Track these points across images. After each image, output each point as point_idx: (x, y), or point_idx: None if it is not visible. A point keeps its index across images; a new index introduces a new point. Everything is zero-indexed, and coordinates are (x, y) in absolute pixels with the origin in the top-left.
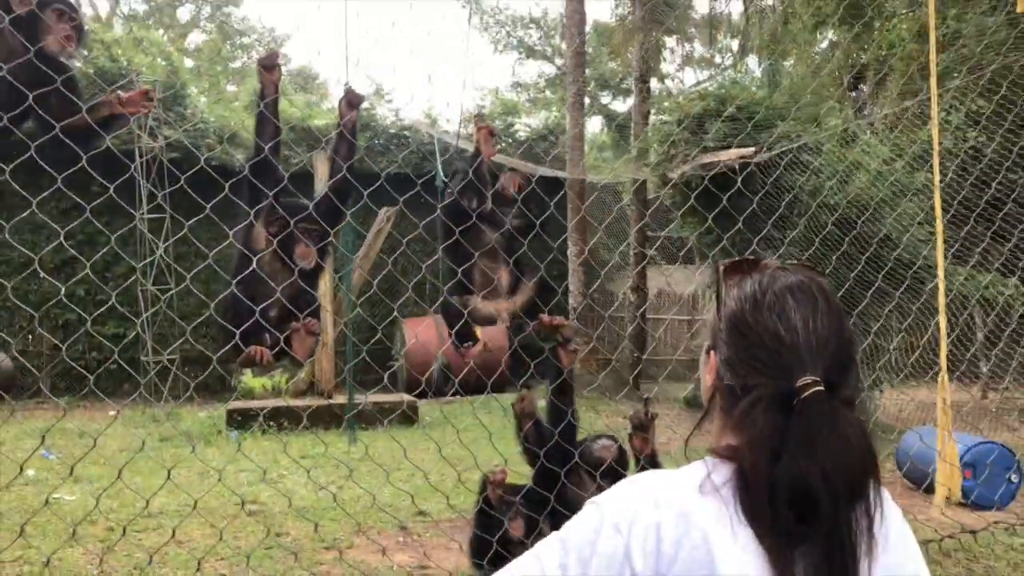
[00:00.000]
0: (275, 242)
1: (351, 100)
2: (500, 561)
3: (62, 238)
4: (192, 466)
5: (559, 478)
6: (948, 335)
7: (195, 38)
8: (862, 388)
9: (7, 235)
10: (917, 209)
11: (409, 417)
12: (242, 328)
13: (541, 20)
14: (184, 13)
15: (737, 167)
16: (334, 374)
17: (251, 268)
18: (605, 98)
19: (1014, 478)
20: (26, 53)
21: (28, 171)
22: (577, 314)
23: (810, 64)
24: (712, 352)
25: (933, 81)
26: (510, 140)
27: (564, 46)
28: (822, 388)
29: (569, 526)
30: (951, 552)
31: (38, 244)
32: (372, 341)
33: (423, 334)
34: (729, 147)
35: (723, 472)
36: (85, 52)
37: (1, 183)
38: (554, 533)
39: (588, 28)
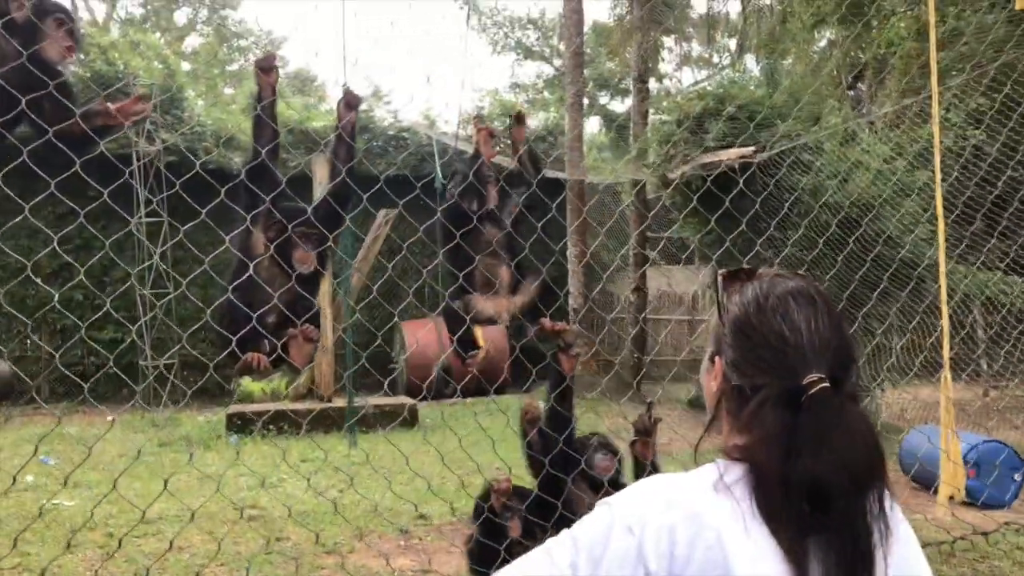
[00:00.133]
0: (272, 247)
1: (349, 101)
2: (500, 565)
3: (56, 243)
4: (192, 471)
5: (564, 485)
6: (952, 334)
7: (192, 41)
8: (863, 386)
9: (2, 240)
10: (919, 208)
11: (410, 420)
12: (239, 335)
13: (539, 21)
14: (181, 16)
15: (737, 167)
16: (334, 378)
17: (248, 273)
18: (603, 98)
19: (1017, 477)
20: (21, 59)
21: (24, 176)
22: (579, 317)
23: (808, 63)
24: (717, 358)
25: (934, 79)
26: (509, 141)
27: (562, 47)
28: (828, 385)
29: (581, 525)
30: (956, 552)
31: (35, 249)
32: (372, 345)
33: (423, 337)
34: (729, 147)
35: (734, 472)
36: (82, 56)
37: None
38: (565, 531)
39: (586, 28)
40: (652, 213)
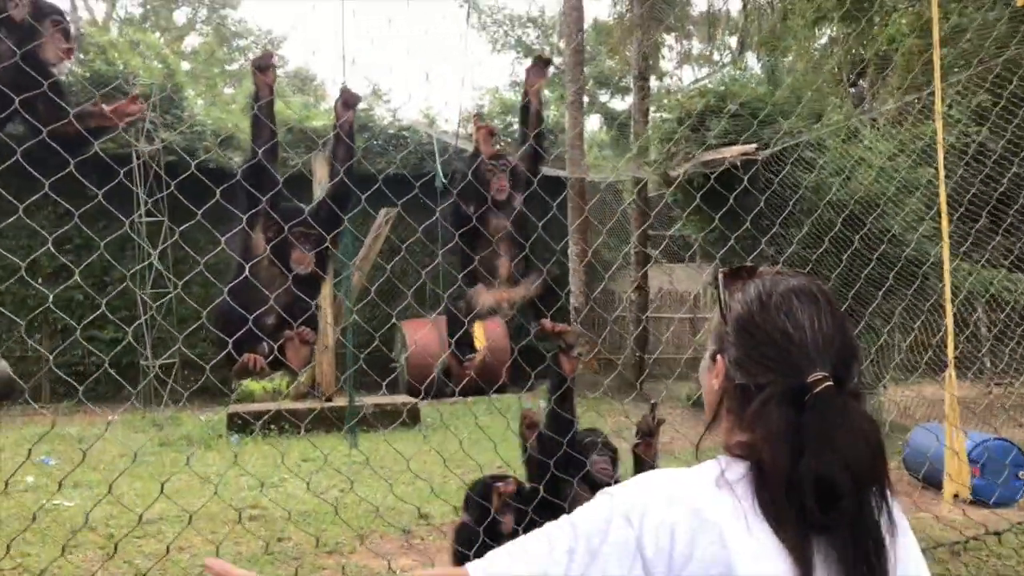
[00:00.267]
0: (269, 248)
1: (347, 100)
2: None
3: (51, 244)
4: (194, 471)
5: (566, 488)
6: (957, 332)
7: (191, 41)
8: (866, 384)
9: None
10: (922, 205)
11: (410, 420)
12: (235, 337)
13: (539, 19)
14: (180, 16)
15: (740, 164)
16: (335, 377)
17: (246, 275)
18: (604, 97)
19: (1022, 475)
20: (17, 59)
21: (24, 176)
22: (581, 316)
23: (810, 60)
24: (719, 356)
25: (937, 76)
26: (509, 139)
27: (562, 45)
28: (832, 383)
29: (581, 512)
30: (961, 551)
31: (36, 249)
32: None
33: (424, 337)
34: (731, 144)
35: (736, 469)
36: (81, 56)
37: None
38: (564, 517)
39: (586, 26)
40: (655, 212)
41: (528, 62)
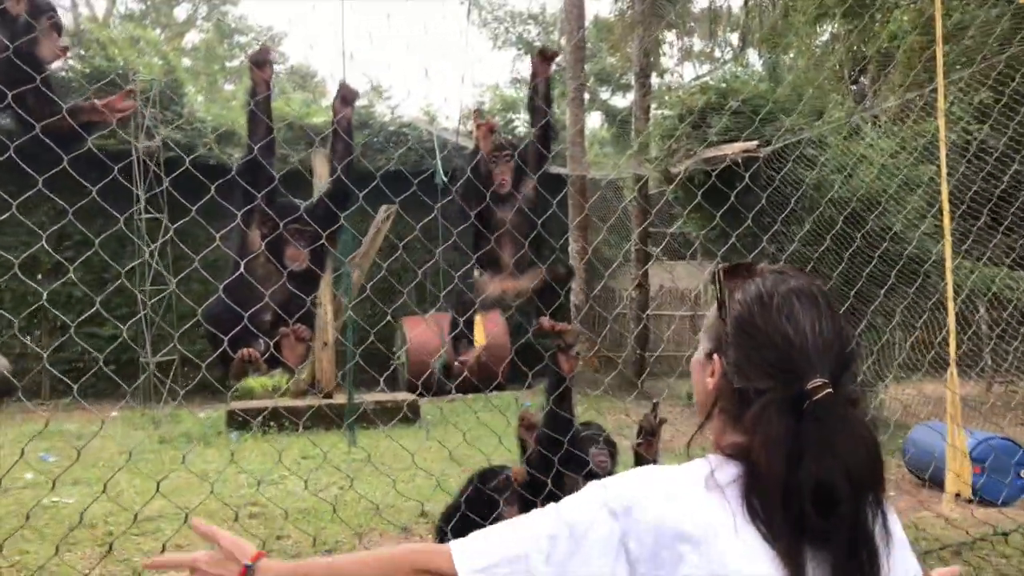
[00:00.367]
0: (264, 244)
1: (345, 96)
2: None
3: (44, 241)
4: (193, 468)
5: (569, 486)
6: (958, 331)
7: (192, 37)
8: (867, 383)
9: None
10: (923, 203)
11: (411, 416)
12: (230, 334)
13: (540, 16)
14: (181, 12)
15: (741, 161)
16: (335, 374)
17: (241, 272)
18: (605, 94)
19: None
20: (10, 52)
21: (23, 173)
22: (581, 314)
23: (811, 57)
24: (716, 356)
25: (939, 73)
26: (510, 136)
27: (563, 42)
28: (832, 390)
29: (570, 501)
30: (961, 551)
31: (35, 245)
32: (371, 341)
33: (423, 334)
34: (732, 141)
35: (728, 471)
36: (82, 52)
37: None
38: (552, 505)
39: (587, 23)
40: (656, 209)
41: (534, 55)
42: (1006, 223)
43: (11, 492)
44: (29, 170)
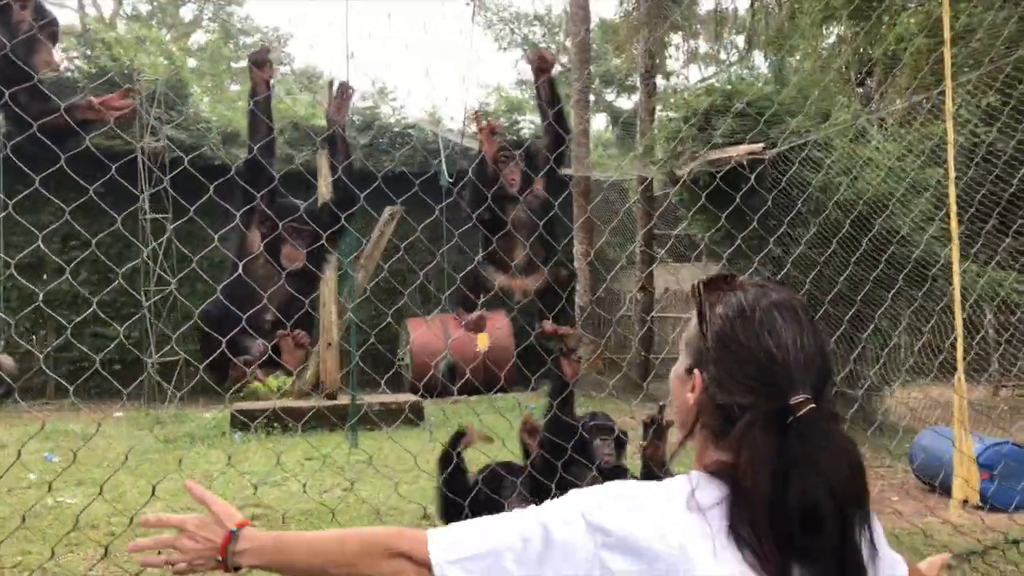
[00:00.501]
0: (263, 245)
1: (340, 103)
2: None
3: (40, 240)
4: (195, 469)
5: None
6: (966, 334)
7: (198, 38)
8: (874, 386)
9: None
10: (930, 206)
11: (415, 418)
12: (226, 338)
13: (545, 17)
14: (187, 12)
15: (746, 163)
16: (339, 375)
17: (239, 273)
18: (610, 95)
19: None
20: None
21: (29, 173)
22: (584, 315)
23: (817, 59)
24: (697, 371)
25: (948, 75)
26: (515, 137)
27: (568, 43)
28: (815, 406)
29: (549, 507)
30: (969, 558)
31: (44, 245)
32: (372, 342)
33: (427, 335)
34: (737, 143)
35: (711, 492)
36: (88, 52)
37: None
38: (533, 508)
39: (592, 25)
40: (659, 211)
41: (532, 64)
42: (1015, 227)
43: (15, 492)
44: (27, 170)
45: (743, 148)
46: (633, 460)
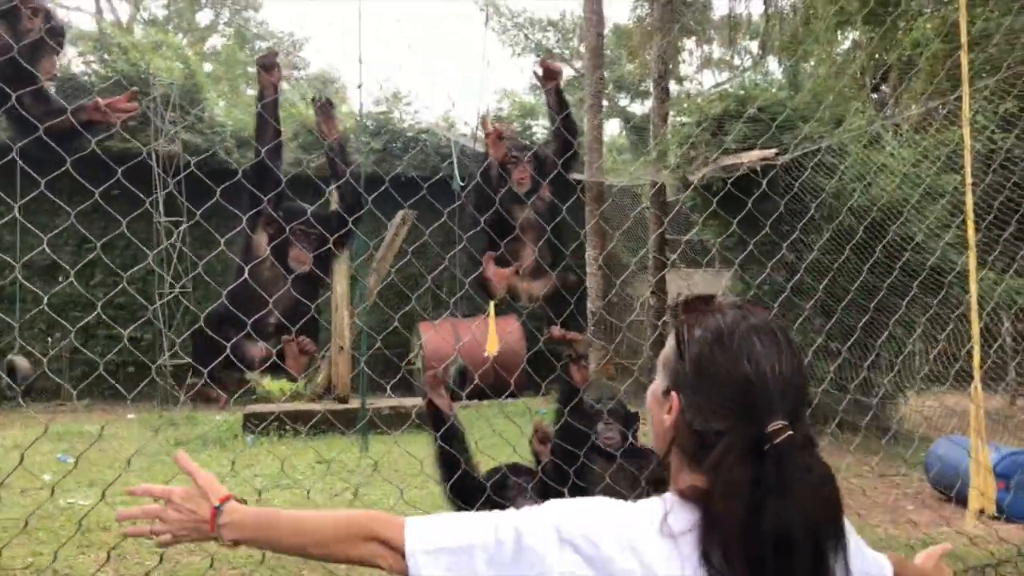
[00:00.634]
0: (269, 248)
1: (323, 110)
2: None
3: (45, 245)
4: (208, 471)
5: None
6: (985, 343)
7: (214, 42)
8: (888, 394)
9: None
10: (945, 212)
11: (422, 423)
12: (223, 340)
13: (559, 22)
14: (203, 17)
15: (759, 169)
16: (351, 378)
17: (245, 276)
18: (623, 100)
19: None
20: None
21: (44, 176)
22: (595, 319)
23: (832, 65)
24: (674, 393)
25: (965, 81)
26: (528, 142)
27: (582, 48)
28: (792, 432)
29: (526, 514)
30: (985, 570)
31: (59, 248)
32: (388, 347)
33: (439, 339)
34: (750, 149)
35: (683, 517)
36: (105, 56)
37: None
38: (511, 513)
39: (607, 31)
40: (670, 217)
41: (537, 72)
42: None
43: (29, 493)
44: (34, 174)
45: (755, 154)
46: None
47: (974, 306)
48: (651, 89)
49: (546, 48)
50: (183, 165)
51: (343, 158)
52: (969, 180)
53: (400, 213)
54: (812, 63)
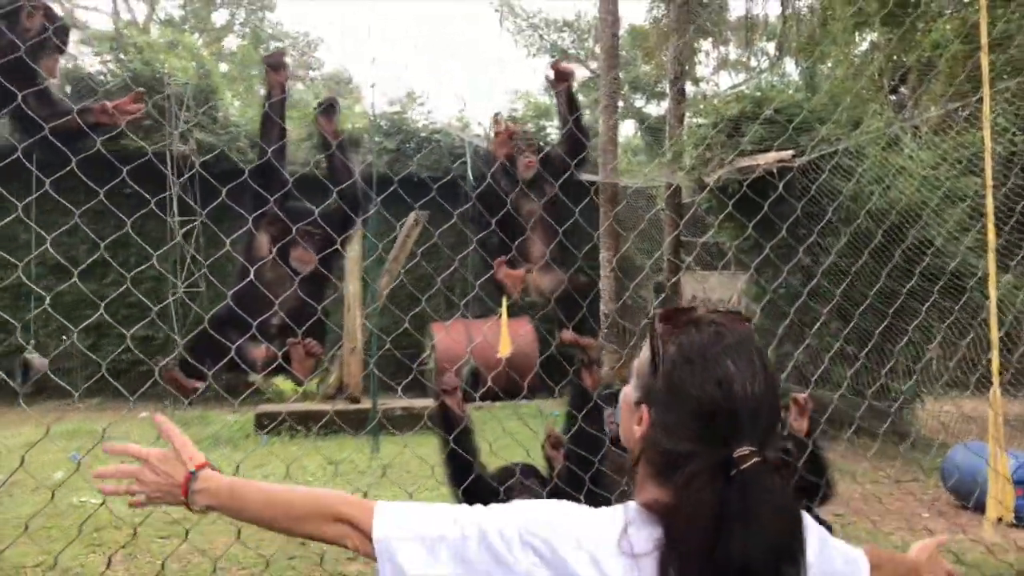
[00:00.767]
0: (274, 248)
1: (325, 110)
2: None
3: (49, 243)
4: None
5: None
6: (1006, 348)
7: (230, 42)
8: (906, 398)
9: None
10: (965, 216)
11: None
12: (221, 342)
13: (575, 24)
14: (219, 17)
15: (775, 171)
16: (363, 378)
17: (251, 277)
18: (639, 101)
19: None
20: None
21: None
22: (608, 321)
23: (850, 66)
24: (644, 407)
25: (986, 82)
26: (542, 143)
27: (598, 49)
28: (760, 458)
29: (493, 512)
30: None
31: (73, 247)
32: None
33: (451, 340)
34: (766, 151)
35: (645, 533)
36: (121, 56)
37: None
38: (479, 509)
39: (622, 31)
40: (685, 220)
41: (547, 75)
42: None
43: (40, 491)
44: (40, 174)
45: (772, 156)
46: None
47: (993, 311)
48: (667, 90)
49: (561, 49)
50: (197, 164)
51: (342, 159)
52: (990, 183)
53: (412, 214)
54: (829, 64)
